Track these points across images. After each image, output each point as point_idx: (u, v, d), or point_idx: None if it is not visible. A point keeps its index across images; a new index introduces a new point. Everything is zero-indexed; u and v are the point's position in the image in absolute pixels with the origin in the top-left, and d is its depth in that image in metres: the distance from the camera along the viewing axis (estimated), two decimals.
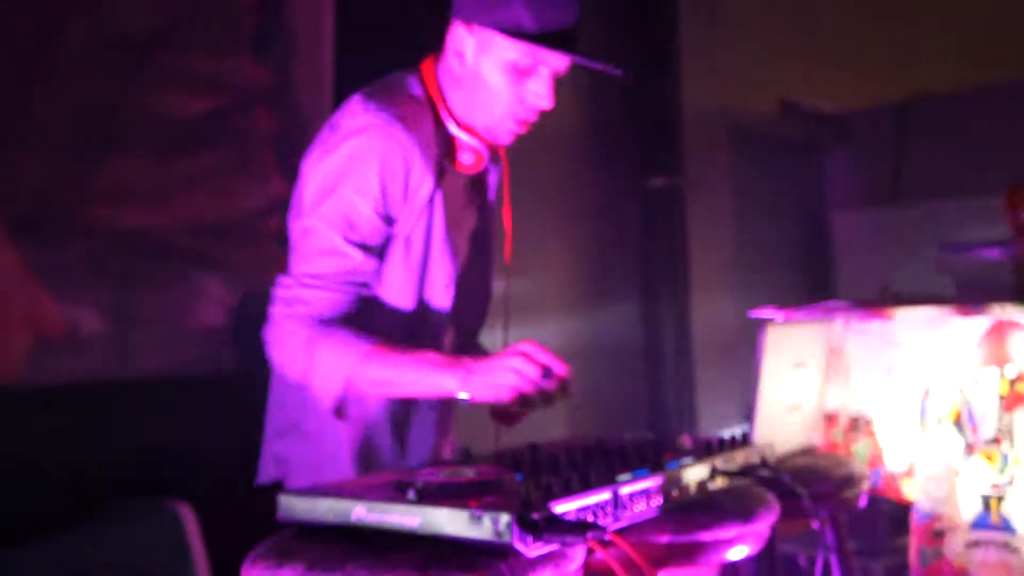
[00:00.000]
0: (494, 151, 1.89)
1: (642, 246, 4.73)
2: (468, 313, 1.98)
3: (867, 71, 5.75)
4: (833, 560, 2.06)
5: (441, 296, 1.81)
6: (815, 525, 1.84)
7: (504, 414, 1.87)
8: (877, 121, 5.86)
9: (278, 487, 1.83)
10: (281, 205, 1.95)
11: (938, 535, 2.31)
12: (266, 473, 1.88)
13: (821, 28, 5.41)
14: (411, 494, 1.30)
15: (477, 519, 1.21)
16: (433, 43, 1.81)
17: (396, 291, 1.76)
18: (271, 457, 1.87)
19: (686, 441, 1.76)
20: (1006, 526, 2.28)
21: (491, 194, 1.97)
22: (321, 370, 1.63)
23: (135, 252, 2.61)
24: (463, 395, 1.61)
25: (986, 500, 2.30)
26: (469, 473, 1.42)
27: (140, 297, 2.64)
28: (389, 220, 1.70)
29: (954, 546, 2.28)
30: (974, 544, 2.30)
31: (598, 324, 4.57)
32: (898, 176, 5.80)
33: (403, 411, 1.83)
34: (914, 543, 2.31)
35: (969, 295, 2.62)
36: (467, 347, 2.02)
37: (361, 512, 1.31)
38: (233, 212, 2.76)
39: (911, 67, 5.69)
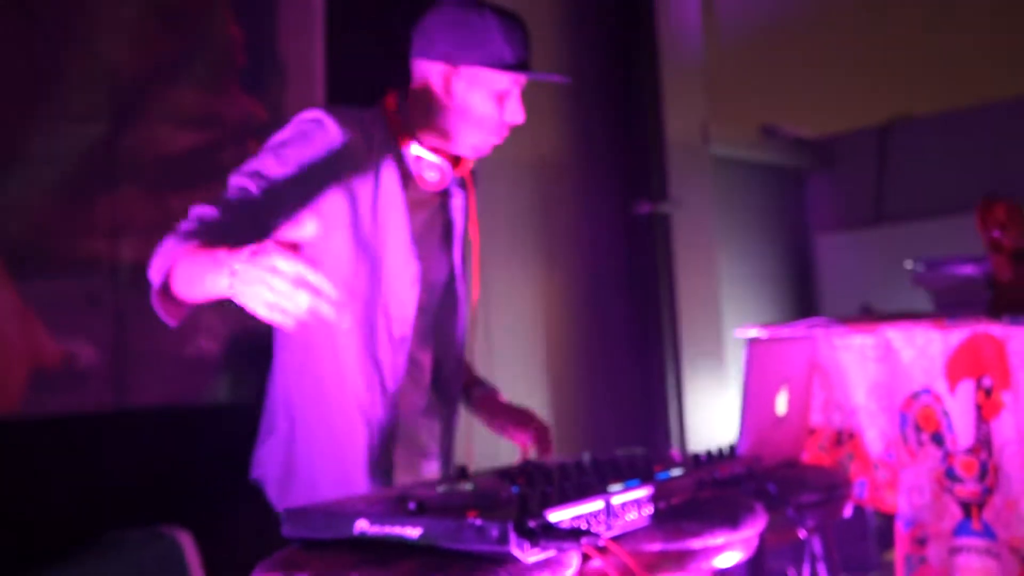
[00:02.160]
0: (460, 177, 2.00)
1: (628, 272, 4.78)
2: (444, 333, 2.09)
3: (847, 96, 5.87)
4: (821, 570, 2.11)
5: (408, 292, 1.92)
6: (801, 534, 1.89)
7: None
8: (858, 144, 5.96)
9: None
10: None
11: (921, 542, 2.36)
12: (254, 472, 2.04)
13: (801, 54, 5.52)
14: (412, 506, 1.35)
15: (476, 528, 1.26)
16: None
17: (358, 294, 1.88)
18: (256, 458, 2.03)
19: (675, 455, 1.82)
20: (987, 532, 2.34)
21: (458, 218, 2.09)
22: (157, 259, 1.65)
23: (131, 286, 2.65)
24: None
25: (967, 508, 2.36)
26: (467, 487, 1.47)
27: (135, 330, 2.67)
28: (297, 186, 1.81)
29: (937, 552, 2.33)
30: (957, 550, 2.36)
31: (586, 349, 4.62)
32: (879, 198, 5.89)
33: (388, 430, 1.91)
34: (899, 551, 2.36)
35: (945, 309, 2.68)
36: (454, 370, 2.10)
37: (364, 525, 1.36)
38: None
39: (891, 91, 5.81)
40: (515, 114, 1.94)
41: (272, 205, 1.78)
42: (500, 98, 1.91)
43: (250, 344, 2.44)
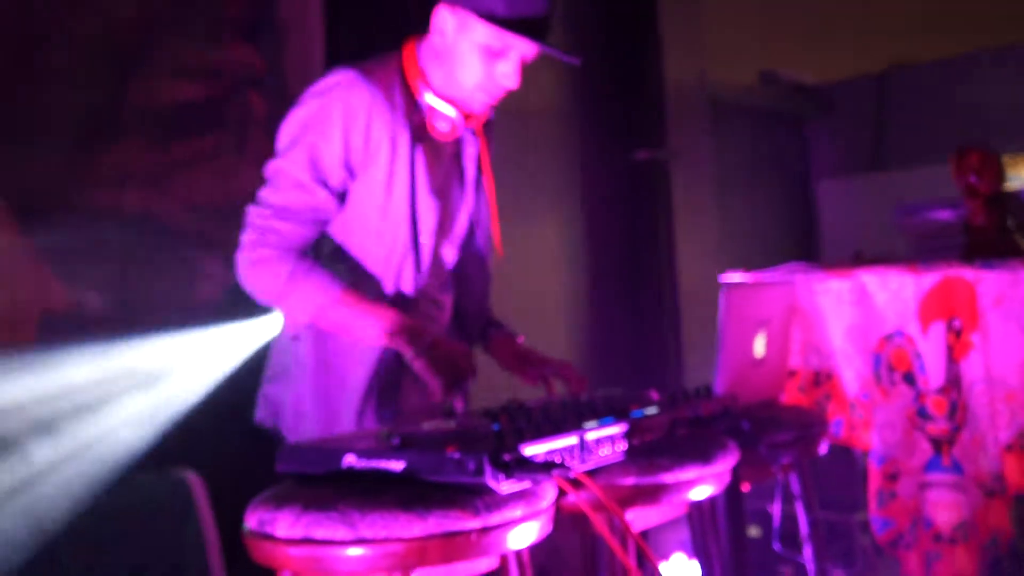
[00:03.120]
0: (472, 128, 2.05)
1: (628, 218, 4.84)
2: (465, 278, 2.18)
3: (847, 42, 5.87)
4: (799, 507, 2.21)
5: (428, 239, 2.01)
6: (776, 472, 1.98)
7: None
8: (857, 91, 5.98)
9: (272, 434, 2.00)
10: None
11: (893, 478, 2.46)
12: (259, 414, 2.09)
13: (800, 0, 5.52)
14: (396, 441, 1.44)
15: (455, 461, 1.36)
16: (421, 32, 2.01)
17: (387, 244, 1.97)
18: (263, 399, 2.09)
19: (653, 395, 1.90)
20: (955, 468, 2.44)
21: (470, 167, 2.13)
22: (295, 300, 1.87)
23: (137, 234, 2.73)
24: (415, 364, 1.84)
25: (937, 444, 2.45)
26: (450, 424, 1.56)
27: (142, 278, 2.75)
28: (350, 168, 1.92)
29: (908, 487, 2.43)
30: (927, 485, 2.46)
31: (586, 296, 4.70)
32: (879, 144, 5.92)
33: (393, 369, 1.99)
34: (871, 486, 2.46)
35: (923, 254, 2.76)
36: (474, 313, 2.19)
37: (351, 460, 1.45)
38: (232, 194, 2.89)
39: (890, 37, 5.81)
40: (507, 78, 1.91)
41: (329, 197, 1.91)
42: (488, 54, 1.88)
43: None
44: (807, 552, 2.14)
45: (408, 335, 1.84)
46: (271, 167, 1.94)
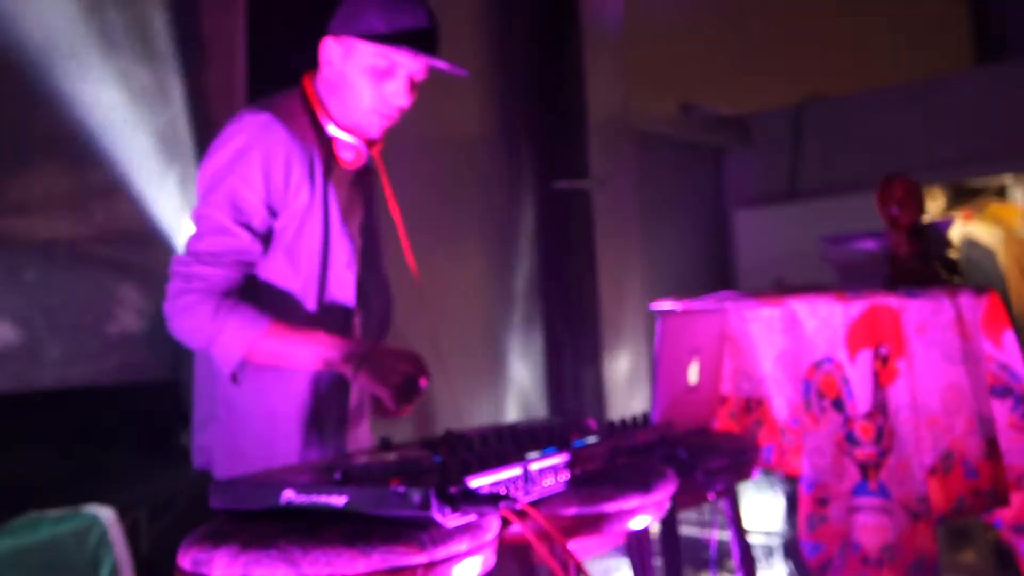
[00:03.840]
0: (373, 154, 2.05)
1: (550, 247, 4.86)
2: (370, 301, 2.16)
3: (764, 75, 6.00)
4: (731, 531, 2.22)
5: (344, 273, 2.00)
6: (711, 497, 1.98)
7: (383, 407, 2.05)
8: (775, 122, 6.11)
9: (207, 476, 1.93)
10: None
11: (823, 503, 2.49)
12: (196, 461, 2.03)
13: (720, 34, 5.63)
14: (337, 476, 1.41)
15: (399, 495, 1.32)
16: (313, 68, 2.02)
17: (303, 275, 1.95)
18: (196, 448, 2.02)
19: (591, 423, 1.90)
20: (882, 491, 2.48)
21: (375, 194, 2.17)
22: (225, 339, 1.82)
23: (51, 262, 2.64)
24: (358, 378, 1.79)
25: (864, 469, 2.49)
26: (390, 457, 1.53)
27: (57, 307, 2.67)
28: (272, 210, 1.90)
29: (837, 512, 2.46)
30: (855, 509, 2.50)
31: (507, 322, 4.69)
32: (795, 174, 6.05)
33: (316, 400, 1.95)
34: (802, 511, 2.49)
35: (848, 283, 2.81)
36: (376, 338, 2.17)
37: (290, 495, 1.41)
38: (152, 219, 2.82)
39: (806, 71, 5.96)
40: (397, 96, 1.93)
41: (252, 239, 1.88)
42: (376, 75, 1.91)
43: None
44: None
45: (342, 354, 1.81)
46: (194, 214, 1.92)
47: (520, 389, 4.68)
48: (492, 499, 1.34)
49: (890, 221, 3.09)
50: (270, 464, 1.87)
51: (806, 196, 5.92)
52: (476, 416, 4.26)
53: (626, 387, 5.16)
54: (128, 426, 2.75)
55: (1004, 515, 2.83)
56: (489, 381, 4.51)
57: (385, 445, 1.76)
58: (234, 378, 1.90)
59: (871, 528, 2.45)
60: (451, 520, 1.33)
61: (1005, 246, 6.96)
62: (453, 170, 4.29)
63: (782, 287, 3.71)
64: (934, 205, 6.28)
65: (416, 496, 1.32)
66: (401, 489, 1.33)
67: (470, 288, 4.49)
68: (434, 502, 1.31)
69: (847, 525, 2.45)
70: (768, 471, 2.76)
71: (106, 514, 2.49)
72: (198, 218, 1.89)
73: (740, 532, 2.18)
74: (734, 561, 2.17)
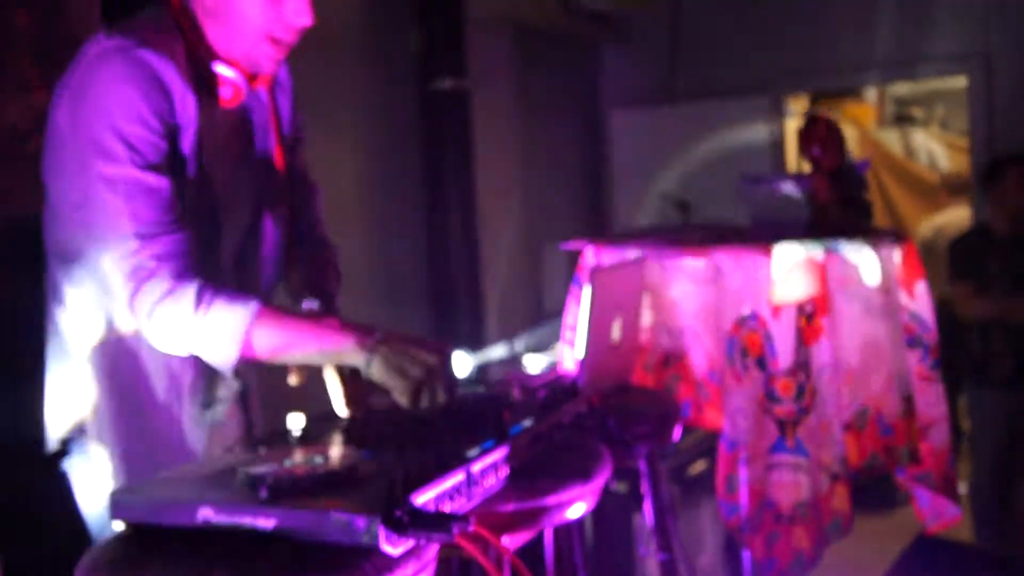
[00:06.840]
0: (254, 90, 1.79)
1: (427, 150, 4.66)
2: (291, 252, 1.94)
3: None
4: (647, 498, 2.15)
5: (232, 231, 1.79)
6: (641, 466, 1.91)
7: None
8: (653, 20, 5.96)
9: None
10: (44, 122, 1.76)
11: (743, 463, 2.45)
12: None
13: None
14: (264, 493, 1.24)
15: (341, 522, 1.18)
16: None
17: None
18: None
19: (516, 391, 1.75)
20: (799, 450, 2.46)
21: (260, 136, 1.86)
22: (214, 337, 1.56)
23: None
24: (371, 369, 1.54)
25: (782, 426, 2.46)
26: (317, 460, 1.37)
27: None
28: (164, 137, 1.61)
29: (754, 470, 2.43)
30: (771, 467, 2.47)
31: (382, 233, 4.52)
32: (673, 75, 5.95)
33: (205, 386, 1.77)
34: (721, 471, 2.45)
35: (765, 228, 2.73)
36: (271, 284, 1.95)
37: (208, 514, 1.24)
38: None
39: None
40: (299, 13, 1.65)
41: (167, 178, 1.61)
42: None
43: (15, 251, 2.15)
44: (655, 541, 2.09)
45: (355, 340, 1.54)
46: (98, 186, 1.57)
47: (392, 301, 4.54)
48: (443, 522, 1.20)
49: (811, 162, 3.02)
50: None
51: (684, 98, 5.82)
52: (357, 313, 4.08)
53: (505, 303, 5.09)
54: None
55: None
56: (358, 292, 4.33)
57: (293, 435, 1.58)
58: (238, 374, 1.68)
59: (786, 486, 2.43)
60: (399, 547, 1.20)
61: (859, 145, 7.13)
62: (323, 72, 3.97)
63: (687, 209, 3.64)
64: (798, 105, 6.34)
65: (359, 522, 1.18)
66: (343, 516, 1.18)
67: (343, 195, 4.25)
68: (381, 531, 1.17)
69: (764, 483, 2.43)
70: (687, 427, 2.70)
71: None
72: (104, 185, 1.56)
73: (658, 499, 2.11)
74: (648, 527, 2.11)
